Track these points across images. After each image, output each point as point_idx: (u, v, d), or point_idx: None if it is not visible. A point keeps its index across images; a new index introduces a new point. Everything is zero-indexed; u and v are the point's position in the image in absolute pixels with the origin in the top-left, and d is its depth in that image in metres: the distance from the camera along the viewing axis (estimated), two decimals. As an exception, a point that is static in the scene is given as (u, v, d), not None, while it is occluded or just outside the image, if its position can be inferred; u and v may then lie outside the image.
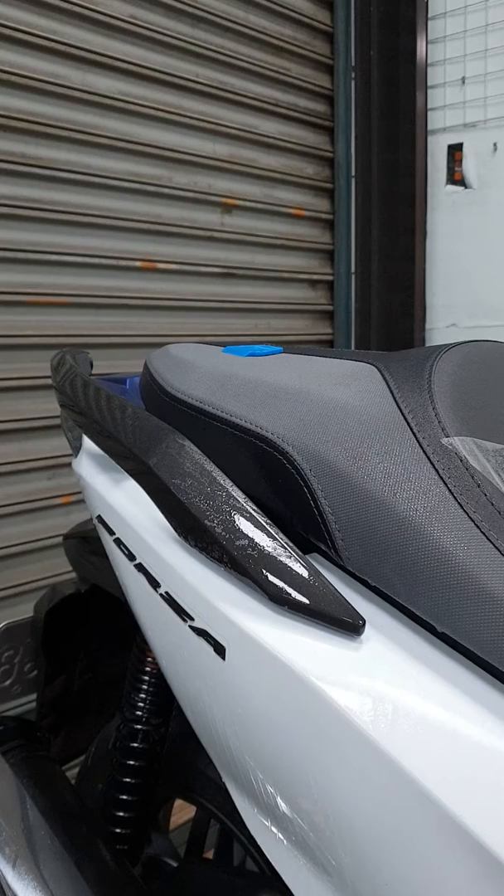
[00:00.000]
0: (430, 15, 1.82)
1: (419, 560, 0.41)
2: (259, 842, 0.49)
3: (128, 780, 0.78)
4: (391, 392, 0.52)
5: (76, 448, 0.76)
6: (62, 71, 1.37)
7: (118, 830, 0.78)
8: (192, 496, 0.49)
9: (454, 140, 1.83)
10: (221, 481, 0.50)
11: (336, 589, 0.44)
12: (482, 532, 0.41)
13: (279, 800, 0.46)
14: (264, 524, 0.47)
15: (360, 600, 0.46)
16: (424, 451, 0.46)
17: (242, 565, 0.46)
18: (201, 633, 0.49)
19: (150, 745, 0.78)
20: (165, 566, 0.53)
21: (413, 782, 0.37)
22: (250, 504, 0.49)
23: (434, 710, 0.39)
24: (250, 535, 0.47)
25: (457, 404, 0.49)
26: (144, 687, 0.79)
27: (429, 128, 1.85)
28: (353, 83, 1.89)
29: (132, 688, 0.79)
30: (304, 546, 0.48)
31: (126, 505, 0.61)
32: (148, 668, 0.79)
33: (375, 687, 0.40)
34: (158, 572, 0.54)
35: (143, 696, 0.78)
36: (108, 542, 0.63)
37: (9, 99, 1.30)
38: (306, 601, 0.44)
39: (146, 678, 0.79)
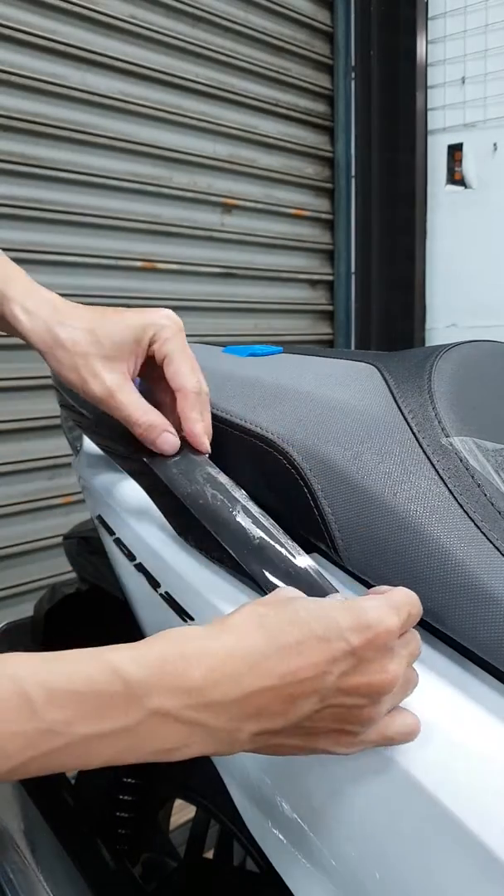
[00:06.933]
0: (430, 15, 1.82)
1: (419, 560, 0.41)
2: (259, 842, 0.49)
3: (128, 780, 0.78)
4: (391, 392, 0.52)
5: (76, 448, 0.76)
6: (62, 71, 1.37)
7: (118, 830, 0.78)
8: (191, 496, 0.49)
9: (454, 140, 1.83)
10: (221, 481, 0.50)
11: (336, 589, 0.44)
12: (482, 532, 0.41)
13: (279, 800, 0.46)
14: (265, 524, 0.47)
15: (360, 600, 0.46)
16: (424, 452, 0.46)
17: (242, 565, 0.46)
18: (201, 633, 0.49)
19: (150, 745, 0.78)
20: (165, 566, 0.53)
21: (413, 782, 0.37)
22: (251, 503, 0.49)
23: (434, 710, 0.39)
24: (251, 534, 0.47)
25: (457, 404, 0.50)
26: (145, 687, 0.78)
27: (429, 128, 1.85)
28: (353, 83, 1.89)
29: (132, 688, 0.79)
30: (304, 546, 0.48)
31: (126, 505, 0.61)
32: (148, 669, 0.78)
33: (375, 687, 0.40)
34: (158, 572, 0.54)
35: (143, 696, 0.78)
36: (108, 542, 0.63)
37: (9, 99, 1.30)
38: (306, 601, 0.44)
39: (146, 678, 0.78)
